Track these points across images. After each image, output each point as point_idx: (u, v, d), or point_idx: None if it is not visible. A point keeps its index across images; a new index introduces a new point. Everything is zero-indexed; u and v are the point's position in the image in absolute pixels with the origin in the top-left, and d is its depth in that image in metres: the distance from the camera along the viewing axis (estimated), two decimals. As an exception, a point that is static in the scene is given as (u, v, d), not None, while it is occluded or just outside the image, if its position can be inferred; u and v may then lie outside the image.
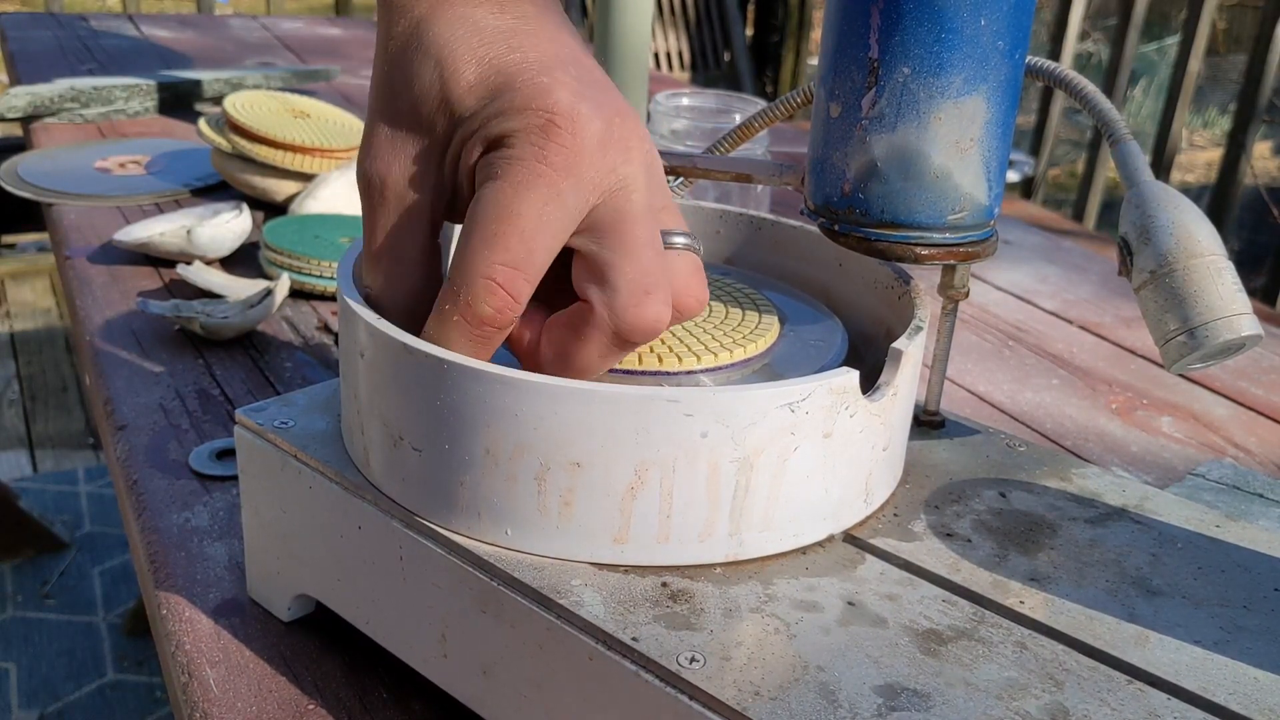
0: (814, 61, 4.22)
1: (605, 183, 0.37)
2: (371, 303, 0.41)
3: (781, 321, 0.48)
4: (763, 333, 0.46)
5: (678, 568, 0.39)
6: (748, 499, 0.39)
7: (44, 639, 1.72)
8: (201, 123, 1.01)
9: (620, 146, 0.38)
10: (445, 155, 0.39)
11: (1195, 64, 2.28)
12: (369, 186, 0.40)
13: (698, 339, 0.45)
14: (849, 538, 0.42)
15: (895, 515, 0.44)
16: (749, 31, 4.50)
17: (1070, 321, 0.93)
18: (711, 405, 0.37)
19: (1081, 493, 0.46)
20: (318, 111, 1.07)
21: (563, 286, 0.40)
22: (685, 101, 0.84)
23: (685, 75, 4.33)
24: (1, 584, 1.83)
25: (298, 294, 0.83)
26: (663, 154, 0.52)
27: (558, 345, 0.39)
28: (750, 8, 4.51)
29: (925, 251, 0.43)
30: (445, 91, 0.38)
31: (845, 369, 0.40)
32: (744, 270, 0.55)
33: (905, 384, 0.43)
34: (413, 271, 0.40)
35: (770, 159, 0.60)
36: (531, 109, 0.37)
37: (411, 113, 0.39)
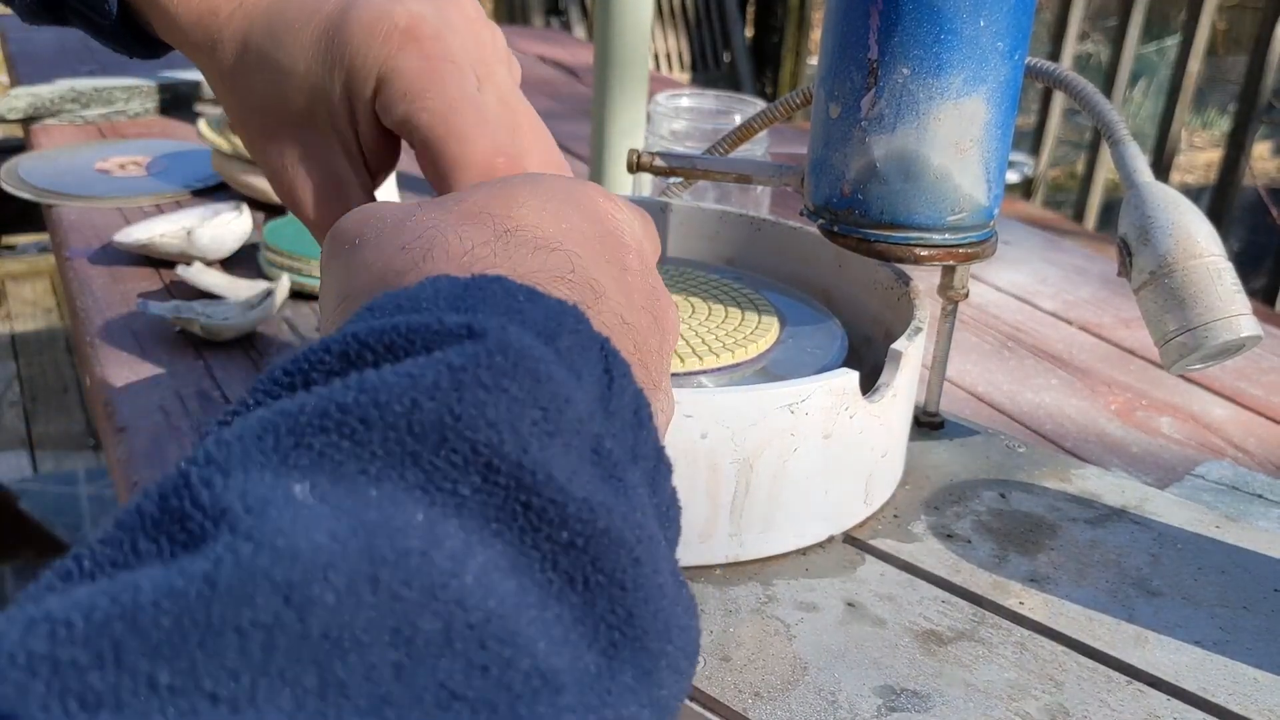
0: (814, 62, 4.21)
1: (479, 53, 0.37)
2: None
3: (781, 323, 0.48)
4: (762, 334, 0.46)
5: (678, 568, 0.39)
6: (748, 500, 0.39)
7: (44, 640, 1.72)
8: (202, 124, 1.01)
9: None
10: (332, 118, 0.38)
11: (1195, 64, 2.28)
12: (293, 196, 0.39)
13: (698, 340, 0.45)
14: (849, 539, 0.42)
15: (895, 516, 0.44)
16: (749, 32, 4.50)
17: (1070, 322, 0.93)
18: (711, 406, 0.37)
19: (1081, 493, 0.46)
20: (318, 112, 1.07)
21: None
22: (685, 102, 0.84)
23: (685, 76, 4.33)
24: (1, 585, 1.83)
25: (298, 295, 0.83)
26: (663, 154, 0.52)
27: None
28: (750, 8, 4.52)
29: (925, 252, 0.43)
30: (298, 75, 0.37)
31: (845, 370, 0.40)
32: (744, 271, 0.55)
33: (905, 385, 0.43)
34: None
35: (770, 160, 0.60)
36: (384, 40, 0.36)
37: (277, 112, 0.38)
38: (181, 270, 0.81)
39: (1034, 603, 0.39)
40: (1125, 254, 0.43)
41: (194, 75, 1.36)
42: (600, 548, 0.20)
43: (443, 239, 0.27)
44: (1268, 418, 0.78)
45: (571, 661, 0.19)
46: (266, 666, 0.15)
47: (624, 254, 0.30)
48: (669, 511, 0.25)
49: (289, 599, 0.16)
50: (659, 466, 0.25)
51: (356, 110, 0.37)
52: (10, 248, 2.99)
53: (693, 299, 0.49)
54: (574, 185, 0.32)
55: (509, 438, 0.19)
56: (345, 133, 0.38)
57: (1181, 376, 0.83)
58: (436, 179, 0.36)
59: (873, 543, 0.42)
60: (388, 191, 1.00)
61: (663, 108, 0.82)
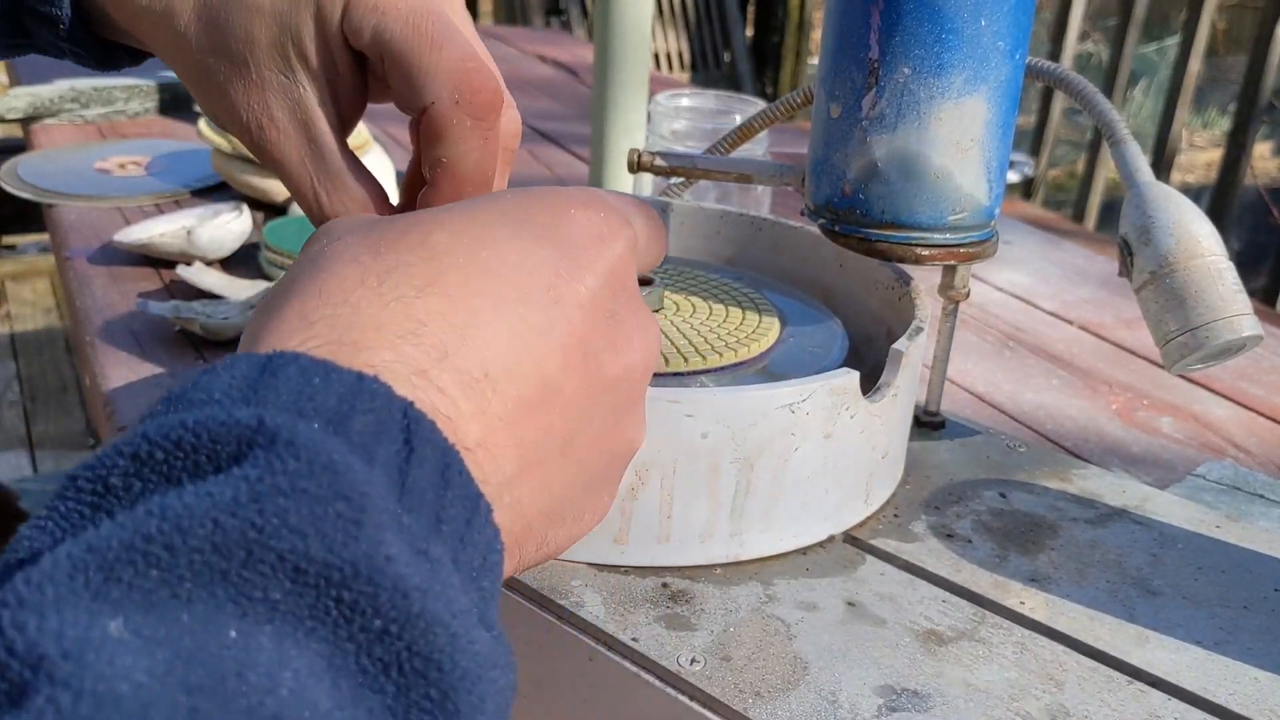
0: (814, 62, 4.21)
1: None
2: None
3: (782, 322, 0.48)
4: (763, 333, 0.46)
5: (678, 568, 0.39)
6: (748, 499, 0.39)
7: (44, 640, 1.72)
8: (202, 123, 1.01)
9: None
10: (300, 52, 0.37)
11: (1195, 64, 2.28)
12: (262, 136, 0.39)
13: (699, 339, 0.45)
14: (849, 538, 0.42)
15: (896, 516, 0.44)
16: (749, 32, 4.50)
17: (1070, 322, 0.93)
18: (712, 406, 0.37)
19: (1082, 493, 0.46)
20: (318, 112, 1.07)
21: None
22: (685, 102, 0.84)
23: (685, 75, 4.33)
24: (2, 585, 1.83)
25: (298, 295, 0.83)
26: (663, 154, 0.52)
27: (439, 172, 0.37)
28: (750, 8, 4.52)
29: (926, 252, 0.43)
30: (265, 10, 0.37)
31: (845, 370, 0.40)
32: (744, 270, 0.55)
33: (905, 385, 0.43)
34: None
35: (770, 159, 0.60)
36: None
37: (251, 48, 0.38)
38: (181, 270, 0.81)
39: (1034, 602, 0.39)
40: (1126, 254, 0.43)
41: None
42: (416, 631, 0.20)
43: (322, 279, 0.27)
44: (1269, 417, 0.78)
45: None
46: None
47: (570, 281, 0.29)
48: (487, 560, 0.24)
49: None
50: (474, 518, 0.24)
51: (327, 39, 0.37)
52: (10, 248, 2.99)
53: (693, 299, 0.49)
54: (540, 198, 0.31)
55: (314, 539, 0.20)
56: (314, 69, 0.38)
57: (1182, 376, 0.83)
58: (408, 91, 0.36)
59: (873, 542, 0.42)
60: (381, 166, 1.00)
61: (663, 108, 0.82)
